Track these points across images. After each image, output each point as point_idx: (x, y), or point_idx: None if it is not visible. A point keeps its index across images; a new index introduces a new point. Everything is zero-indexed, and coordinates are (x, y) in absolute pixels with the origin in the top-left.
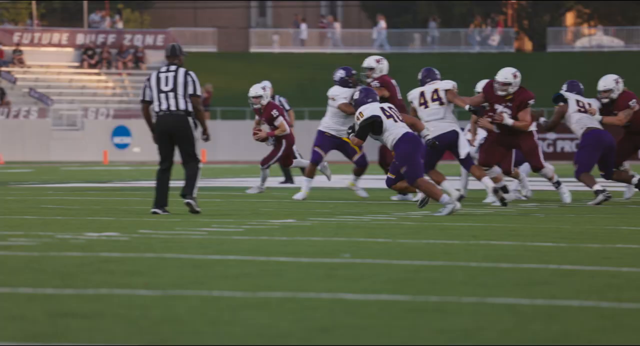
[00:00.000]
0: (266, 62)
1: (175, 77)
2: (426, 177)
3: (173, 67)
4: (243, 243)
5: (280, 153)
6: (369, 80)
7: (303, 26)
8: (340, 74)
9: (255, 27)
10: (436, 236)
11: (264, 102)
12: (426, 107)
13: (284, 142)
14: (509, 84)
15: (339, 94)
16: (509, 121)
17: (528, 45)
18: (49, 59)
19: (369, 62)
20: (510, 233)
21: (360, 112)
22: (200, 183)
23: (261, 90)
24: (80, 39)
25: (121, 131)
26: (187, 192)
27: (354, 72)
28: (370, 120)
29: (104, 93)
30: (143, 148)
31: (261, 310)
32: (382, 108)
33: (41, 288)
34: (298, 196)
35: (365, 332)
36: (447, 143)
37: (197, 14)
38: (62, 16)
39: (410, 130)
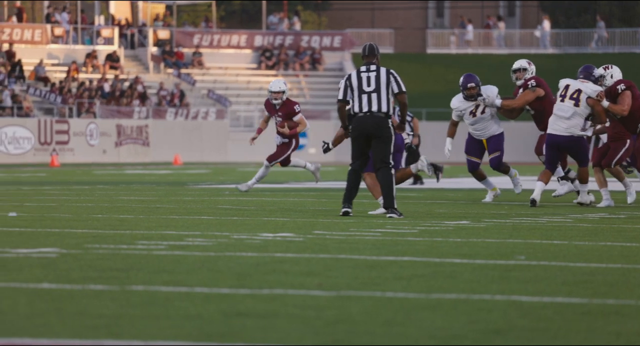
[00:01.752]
0: (443, 63)
1: (377, 77)
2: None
3: (373, 67)
4: (417, 245)
5: (289, 152)
6: (519, 82)
7: (469, 27)
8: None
9: (432, 27)
10: (614, 238)
11: (284, 97)
12: (562, 100)
13: (294, 141)
14: None
15: (457, 107)
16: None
17: None
18: (228, 60)
19: (520, 63)
20: None
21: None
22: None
23: (283, 85)
24: (258, 40)
25: None
26: (388, 204)
27: (479, 82)
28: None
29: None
30: (319, 149)
31: (435, 312)
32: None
33: (217, 287)
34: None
35: (540, 335)
36: (562, 145)
37: (374, 14)
38: (240, 18)
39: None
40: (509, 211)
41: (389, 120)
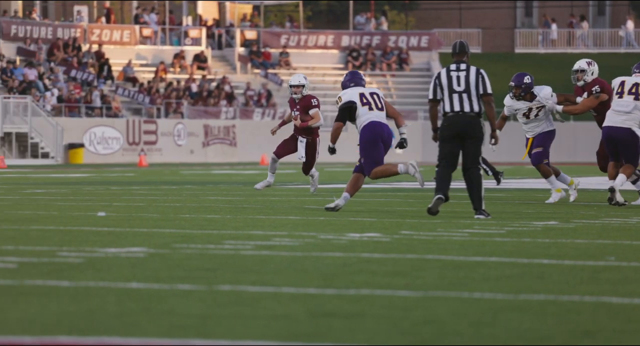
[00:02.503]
0: (531, 62)
1: (467, 77)
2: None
3: (463, 66)
4: (505, 245)
5: (312, 160)
6: (579, 83)
7: (554, 26)
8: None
9: (520, 27)
10: None
11: (305, 92)
12: (620, 97)
13: (317, 146)
14: None
15: (510, 105)
16: None
17: None
18: (314, 60)
19: (580, 64)
20: None
21: (340, 96)
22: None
23: (304, 79)
24: (345, 40)
25: None
26: (477, 205)
27: (522, 83)
28: (346, 106)
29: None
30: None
31: (523, 313)
32: (362, 94)
33: (303, 287)
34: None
35: (630, 336)
36: (616, 138)
37: (462, 14)
38: (327, 18)
39: (378, 120)
40: (598, 212)
41: (481, 120)
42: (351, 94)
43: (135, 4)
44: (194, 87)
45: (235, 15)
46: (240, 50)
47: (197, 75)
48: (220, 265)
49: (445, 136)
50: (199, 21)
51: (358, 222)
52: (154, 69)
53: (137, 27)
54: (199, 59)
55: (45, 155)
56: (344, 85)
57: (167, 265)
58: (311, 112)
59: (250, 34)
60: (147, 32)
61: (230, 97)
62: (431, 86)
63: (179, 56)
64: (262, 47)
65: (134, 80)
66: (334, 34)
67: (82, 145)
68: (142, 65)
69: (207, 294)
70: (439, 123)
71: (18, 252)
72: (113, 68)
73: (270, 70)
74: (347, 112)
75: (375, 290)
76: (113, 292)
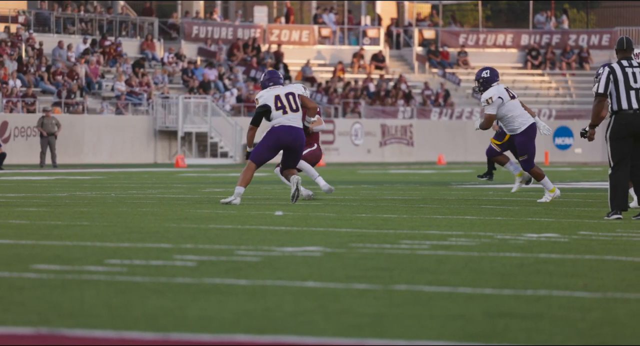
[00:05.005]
0: None
1: None
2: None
3: (635, 62)
4: None
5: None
6: None
7: None
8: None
9: None
10: None
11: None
12: None
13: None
14: None
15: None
16: None
17: None
18: (493, 60)
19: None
20: None
21: (257, 99)
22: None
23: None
24: (524, 39)
25: (563, 132)
26: None
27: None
28: (262, 110)
29: (547, 94)
30: (584, 149)
31: None
32: (277, 97)
33: (480, 288)
34: None
35: None
36: None
37: None
38: (507, 17)
39: (289, 124)
40: None
41: None
42: (267, 98)
43: (314, 4)
44: (372, 87)
45: (414, 15)
46: (418, 49)
47: (375, 74)
48: (396, 264)
49: (619, 135)
50: (377, 21)
51: (535, 222)
52: (332, 68)
53: (315, 27)
54: (377, 58)
55: (224, 155)
56: (263, 85)
57: (343, 264)
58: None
59: (429, 33)
60: (325, 32)
61: (407, 97)
62: (603, 80)
63: (357, 56)
64: (440, 46)
65: (312, 80)
66: (513, 33)
67: None
68: (320, 65)
69: (383, 293)
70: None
71: (197, 250)
72: (290, 68)
73: (449, 70)
74: (261, 116)
75: (552, 290)
76: (289, 291)
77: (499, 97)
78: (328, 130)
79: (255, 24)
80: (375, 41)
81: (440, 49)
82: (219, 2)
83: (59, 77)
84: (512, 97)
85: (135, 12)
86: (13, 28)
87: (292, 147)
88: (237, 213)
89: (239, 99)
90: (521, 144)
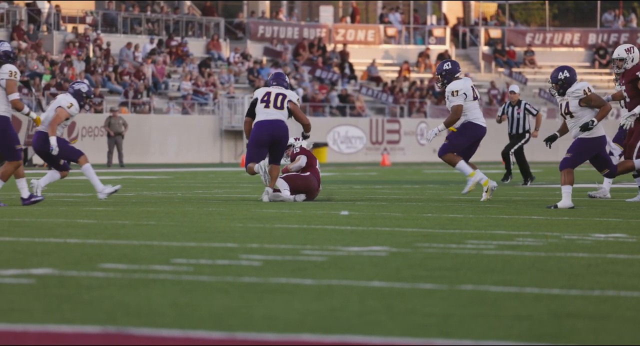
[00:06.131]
0: None
1: None
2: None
3: None
4: None
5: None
6: (620, 71)
7: None
8: None
9: None
10: None
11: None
12: None
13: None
14: None
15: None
16: None
17: None
18: (560, 59)
19: (618, 52)
20: None
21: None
22: None
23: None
24: (592, 38)
25: None
26: None
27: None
28: (252, 103)
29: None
30: None
31: None
32: (267, 93)
33: (547, 288)
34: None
35: None
36: None
37: None
38: (574, 16)
39: (269, 118)
40: None
41: None
42: (259, 92)
43: (380, 4)
44: (437, 86)
45: (480, 14)
46: (484, 48)
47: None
48: (462, 264)
49: None
50: (443, 20)
51: (603, 222)
52: (397, 68)
53: (381, 26)
54: (443, 57)
55: None
56: (267, 84)
57: (409, 264)
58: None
59: (495, 33)
60: (391, 31)
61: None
62: None
63: (423, 55)
64: (507, 45)
65: (377, 80)
66: (580, 31)
67: (325, 144)
68: (385, 65)
69: (449, 293)
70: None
71: (263, 250)
72: (356, 67)
73: (515, 69)
74: (253, 108)
75: (620, 291)
76: (355, 290)
77: (464, 93)
78: (393, 129)
79: (320, 23)
80: (441, 40)
81: (507, 48)
82: (284, 2)
83: (126, 77)
84: (475, 98)
85: (200, 12)
86: (81, 29)
87: (273, 141)
88: (303, 212)
89: (304, 99)
90: (454, 134)
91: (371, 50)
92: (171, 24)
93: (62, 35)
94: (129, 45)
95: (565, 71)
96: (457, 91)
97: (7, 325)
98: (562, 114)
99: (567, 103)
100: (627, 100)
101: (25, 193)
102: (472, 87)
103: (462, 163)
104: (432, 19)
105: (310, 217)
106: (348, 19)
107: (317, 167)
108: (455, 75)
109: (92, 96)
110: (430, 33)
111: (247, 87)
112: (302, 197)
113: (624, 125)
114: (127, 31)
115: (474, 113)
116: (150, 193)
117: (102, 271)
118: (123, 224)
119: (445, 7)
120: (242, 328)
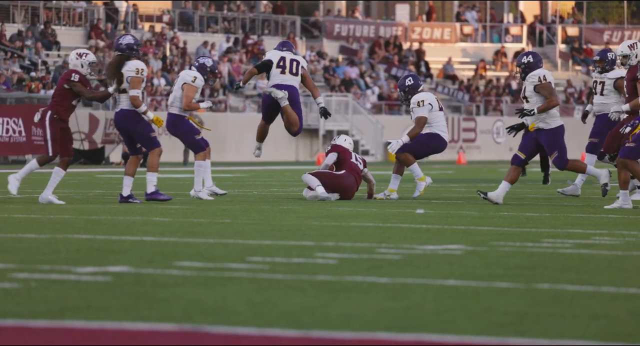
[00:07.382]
0: None
1: None
2: None
3: None
4: None
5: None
6: (625, 67)
7: None
8: None
9: None
10: None
11: None
12: None
13: None
14: None
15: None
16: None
17: None
18: None
19: (622, 48)
20: None
21: (265, 54)
22: None
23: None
24: None
25: None
26: None
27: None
28: (265, 62)
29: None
30: None
31: None
32: (282, 58)
33: (624, 287)
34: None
35: None
36: None
37: None
38: None
39: (284, 83)
40: None
41: None
42: (273, 55)
43: (456, 2)
44: (514, 85)
45: (557, 12)
46: (561, 46)
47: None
48: (538, 263)
49: None
50: (520, 18)
51: None
52: (473, 66)
53: (457, 24)
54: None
55: (365, 153)
56: (277, 48)
57: (485, 263)
58: None
59: (572, 31)
60: (467, 29)
61: None
62: None
63: (499, 53)
64: (584, 43)
65: (453, 78)
66: None
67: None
68: (461, 63)
69: (525, 292)
70: None
71: (338, 248)
72: (432, 66)
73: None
74: (264, 67)
75: None
76: (431, 289)
77: (429, 103)
78: (469, 127)
79: (396, 21)
80: (517, 38)
81: (584, 46)
82: (360, 1)
83: None
84: (440, 109)
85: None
86: (158, 27)
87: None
88: (379, 211)
89: (380, 97)
90: (420, 138)
91: (447, 48)
92: (247, 23)
93: (139, 33)
94: (205, 43)
95: (530, 56)
96: (422, 101)
97: (84, 322)
98: (521, 98)
99: (525, 88)
100: (626, 95)
101: (150, 188)
102: (436, 98)
103: (416, 166)
104: (508, 17)
105: (386, 215)
106: (424, 17)
107: (354, 159)
108: (418, 90)
109: (217, 71)
110: (507, 31)
111: (323, 86)
112: (335, 196)
113: (612, 117)
114: (203, 30)
115: (440, 126)
116: (227, 192)
117: (177, 269)
118: (199, 222)
119: (522, 5)
120: (317, 327)
